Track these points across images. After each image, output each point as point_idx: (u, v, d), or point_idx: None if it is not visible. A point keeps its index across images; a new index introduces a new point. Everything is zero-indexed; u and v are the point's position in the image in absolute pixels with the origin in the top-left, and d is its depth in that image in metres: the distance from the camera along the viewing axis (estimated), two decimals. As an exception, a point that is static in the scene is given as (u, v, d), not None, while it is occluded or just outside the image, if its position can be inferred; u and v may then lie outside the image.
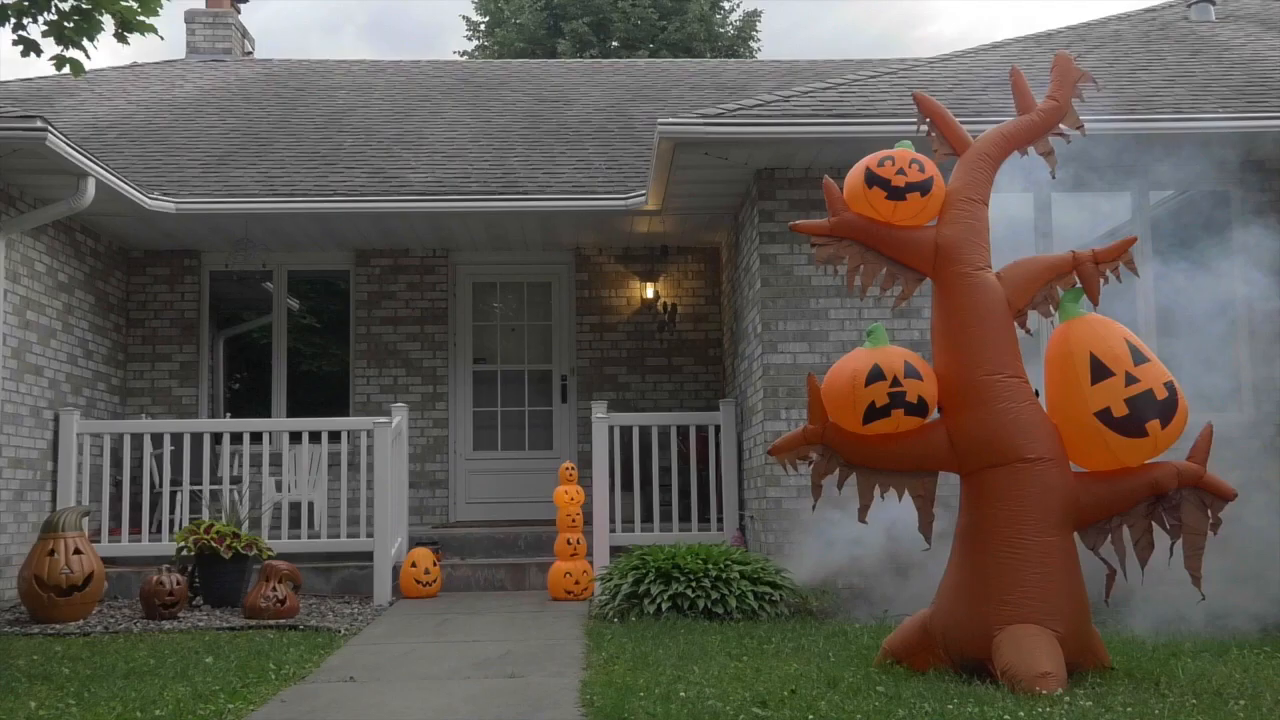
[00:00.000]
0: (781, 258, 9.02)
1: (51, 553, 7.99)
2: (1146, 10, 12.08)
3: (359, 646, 7.01)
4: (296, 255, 12.00)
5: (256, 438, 10.43)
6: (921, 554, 5.83)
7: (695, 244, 12.00)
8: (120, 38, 6.33)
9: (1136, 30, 11.31)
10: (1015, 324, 5.77)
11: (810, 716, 4.68)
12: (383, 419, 9.51)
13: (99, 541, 9.17)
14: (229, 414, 12.16)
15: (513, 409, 12.15)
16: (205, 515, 9.41)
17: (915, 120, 6.24)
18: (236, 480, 10.44)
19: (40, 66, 32.78)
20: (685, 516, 9.98)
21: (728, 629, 7.16)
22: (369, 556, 9.22)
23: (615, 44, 26.28)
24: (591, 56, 23.95)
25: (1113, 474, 5.46)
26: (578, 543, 9.14)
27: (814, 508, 5.99)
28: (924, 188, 5.76)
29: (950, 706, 4.71)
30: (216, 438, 10.16)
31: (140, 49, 58.77)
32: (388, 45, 54.05)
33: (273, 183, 10.86)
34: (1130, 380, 5.31)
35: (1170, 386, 5.35)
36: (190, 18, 15.78)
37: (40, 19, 6.23)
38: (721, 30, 27.42)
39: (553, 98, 13.78)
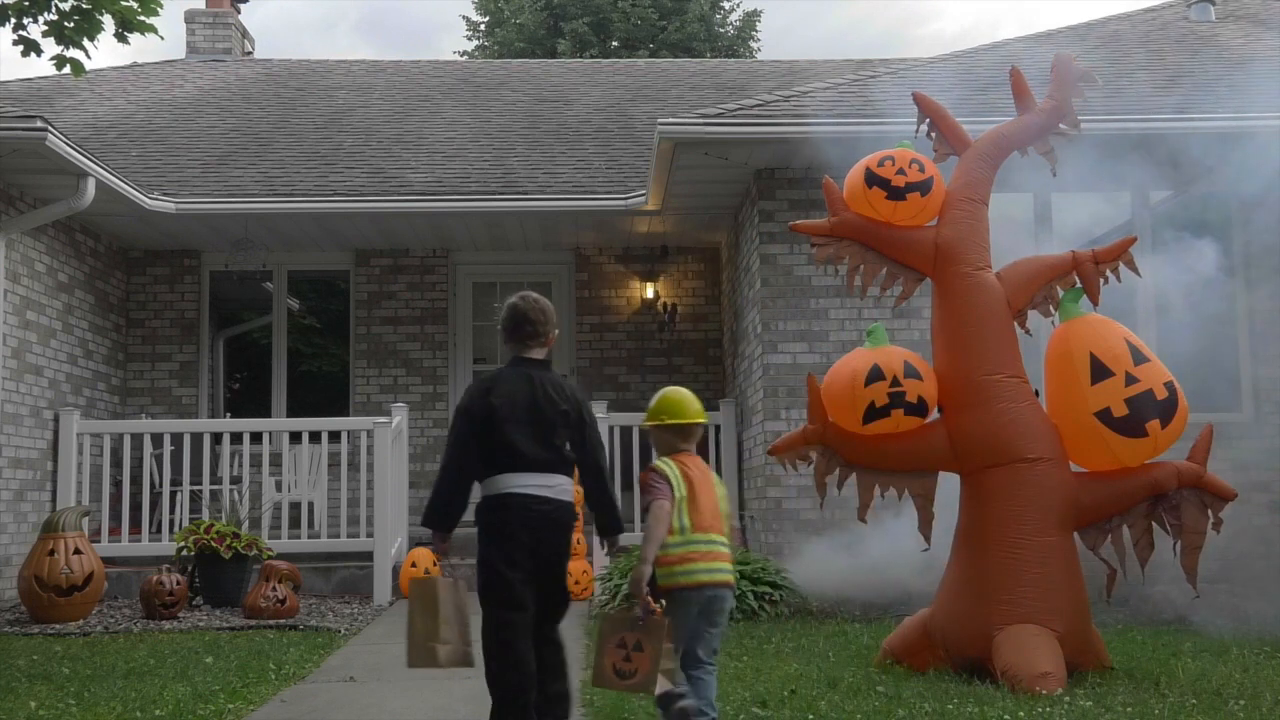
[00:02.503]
0: (781, 258, 9.02)
1: (51, 553, 7.99)
2: (1146, 10, 12.08)
3: (359, 646, 7.01)
4: (296, 255, 12.00)
5: (256, 438, 10.42)
6: (921, 554, 5.83)
7: (695, 244, 11.99)
8: (120, 38, 6.34)
9: (1136, 30, 11.30)
10: (1015, 324, 5.77)
11: (810, 716, 4.68)
12: (383, 419, 9.50)
13: (99, 541, 9.15)
14: (229, 414, 12.16)
15: (513, 409, 12.10)
16: (205, 515, 9.40)
17: (915, 120, 6.24)
18: (236, 480, 10.43)
19: (40, 66, 32.83)
20: (685, 516, 9.94)
21: (728, 629, 7.14)
22: (369, 556, 9.21)
23: (615, 44, 26.27)
24: (591, 56, 23.93)
25: (1113, 474, 5.46)
26: (578, 542, 9.14)
27: (821, 506, 6.00)
28: (924, 188, 5.77)
29: (950, 706, 4.71)
30: (216, 438, 10.15)
31: (140, 49, 58.84)
32: (383, 43, 54.09)
33: (273, 183, 10.85)
34: (1130, 380, 5.31)
35: (1170, 386, 5.35)
36: (190, 18, 15.78)
37: (40, 19, 6.24)
38: (721, 30, 27.41)
39: (553, 98, 13.78)
